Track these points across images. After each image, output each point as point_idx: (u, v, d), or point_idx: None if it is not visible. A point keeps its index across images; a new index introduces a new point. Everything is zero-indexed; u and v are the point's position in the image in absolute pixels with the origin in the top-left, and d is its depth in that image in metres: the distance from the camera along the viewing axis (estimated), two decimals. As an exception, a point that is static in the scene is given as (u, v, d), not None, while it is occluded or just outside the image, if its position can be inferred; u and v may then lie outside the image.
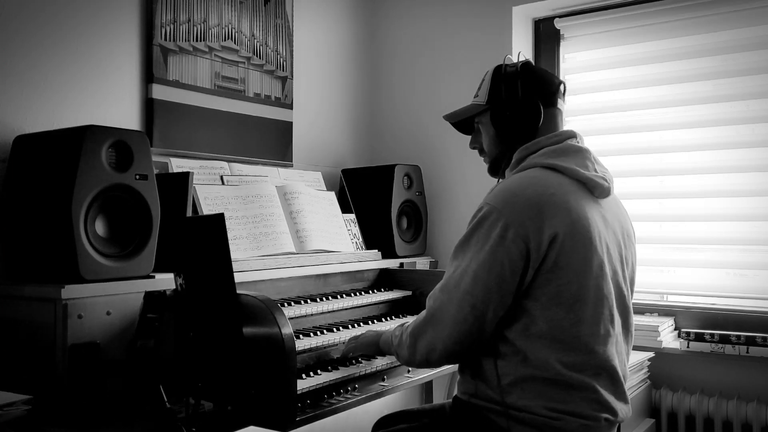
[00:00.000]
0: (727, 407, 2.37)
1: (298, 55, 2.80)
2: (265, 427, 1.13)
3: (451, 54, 2.99)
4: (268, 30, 2.65)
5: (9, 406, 1.36)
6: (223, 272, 1.45)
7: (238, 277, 1.52)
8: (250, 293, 1.71)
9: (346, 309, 2.22)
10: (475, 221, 1.51)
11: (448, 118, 1.80)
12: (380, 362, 1.96)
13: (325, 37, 2.97)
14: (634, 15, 2.72)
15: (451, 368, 2.14)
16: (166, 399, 1.60)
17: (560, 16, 2.89)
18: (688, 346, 2.42)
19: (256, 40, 2.60)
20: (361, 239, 2.58)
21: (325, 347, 1.95)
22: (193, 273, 1.52)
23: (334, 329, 2.04)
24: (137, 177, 1.70)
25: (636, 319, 2.49)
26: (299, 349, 1.79)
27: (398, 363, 1.89)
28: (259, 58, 2.61)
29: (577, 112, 2.90)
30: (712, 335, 2.39)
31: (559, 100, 1.68)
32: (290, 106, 2.74)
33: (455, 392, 1.68)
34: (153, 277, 1.74)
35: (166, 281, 1.73)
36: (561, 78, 2.88)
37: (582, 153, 1.61)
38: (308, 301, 2.11)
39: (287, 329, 1.63)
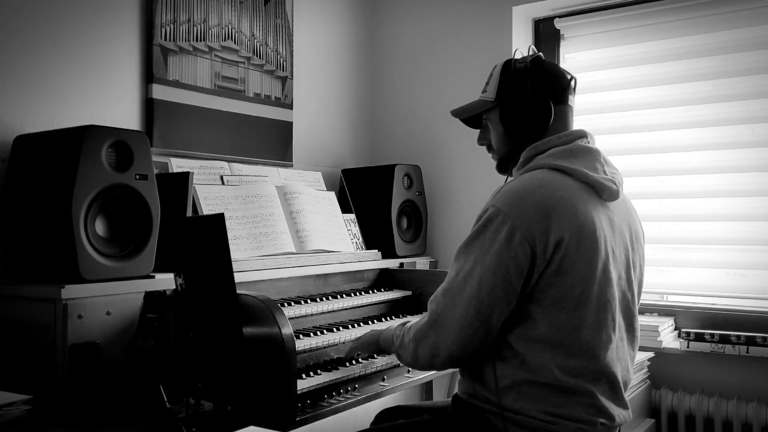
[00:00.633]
0: (727, 407, 2.37)
1: (298, 55, 2.80)
2: (265, 427, 1.13)
3: (451, 54, 2.99)
4: (268, 30, 2.65)
5: (9, 406, 1.36)
6: (223, 272, 1.45)
7: (238, 277, 1.52)
8: (250, 293, 1.71)
9: (346, 309, 2.22)
10: (480, 222, 1.49)
11: (455, 113, 1.77)
12: (380, 362, 1.96)
13: (325, 37, 2.97)
14: (634, 15, 2.72)
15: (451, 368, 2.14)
16: (166, 399, 1.60)
17: (560, 16, 2.89)
18: (688, 346, 2.42)
19: (256, 40, 2.60)
20: (361, 239, 2.58)
21: (325, 347, 1.95)
22: (193, 273, 1.52)
23: (334, 329, 2.04)
24: (137, 177, 1.70)
25: (636, 319, 2.51)
26: (299, 349, 1.79)
27: (398, 363, 1.89)
28: (259, 58, 2.61)
29: (577, 112, 2.85)
30: (712, 335, 2.39)
31: (570, 97, 1.64)
32: (290, 106, 2.74)
33: (455, 391, 1.68)
34: (153, 277, 1.74)
35: (166, 281, 1.73)
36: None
37: (592, 154, 1.57)
38: (308, 301, 2.11)
39: (287, 329, 1.63)
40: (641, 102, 2.72)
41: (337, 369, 1.90)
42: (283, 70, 2.71)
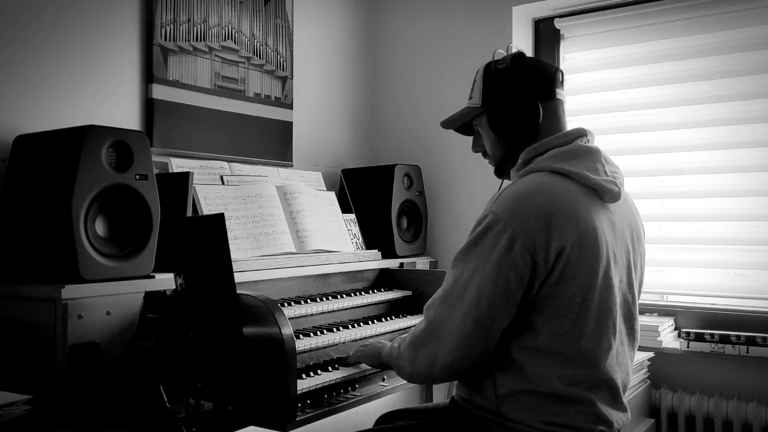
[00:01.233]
0: (727, 407, 2.37)
1: (298, 55, 2.80)
2: (265, 427, 1.13)
3: (451, 54, 2.99)
4: (268, 30, 2.65)
5: (9, 406, 1.36)
6: (223, 272, 1.45)
7: (238, 277, 1.52)
8: (250, 293, 1.71)
9: (346, 309, 2.22)
10: (479, 229, 1.44)
11: (444, 124, 1.73)
12: (380, 362, 1.95)
13: (325, 37, 2.97)
14: (634, 15, 2.72)
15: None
16: (166, 399, 1.60)
17: (560, 16, 2.89)
18: (688, 346, 2.42)
19: (256, 40, 2.60)
20: (361, 239, 2.58)
21: (325, 347, 1.95)
22: (193, 273, 1.52)
23: (334, 329, 2.04)
24: (137, 177, 1.70)
25: (636, 319, 2.51)
26: (299, 349, 1.79)
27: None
28: (259, 58, 2.61)
29: (577, 112, 2.90)
30: (712, 335, 2.39)
31: (558, 90, 1.60)
32: (290, 106, 2.74)
33: (453, 393, 1.67)
34: (153, 277, 1.74)
35: (166, 281, 1.73)
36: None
37: (593, 154, 1.53)
38: (308, 301, 2.11)
39: (287, 329, 1.63)
40: (641, 102, 2.72)
41: (337, 369, 1.90)
42: (283, 70, 2.71)
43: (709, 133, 2.59)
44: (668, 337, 2.49)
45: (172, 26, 2.29)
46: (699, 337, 2.40)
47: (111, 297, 1.65)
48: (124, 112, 2.18)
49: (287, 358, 1.61)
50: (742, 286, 2.53)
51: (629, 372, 1.57)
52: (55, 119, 1.99)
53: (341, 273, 2.38)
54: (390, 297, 2.41)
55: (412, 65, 3.10)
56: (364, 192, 2.69)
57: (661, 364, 2.52)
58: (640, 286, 1.65)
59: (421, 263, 2.75)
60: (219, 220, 1.44)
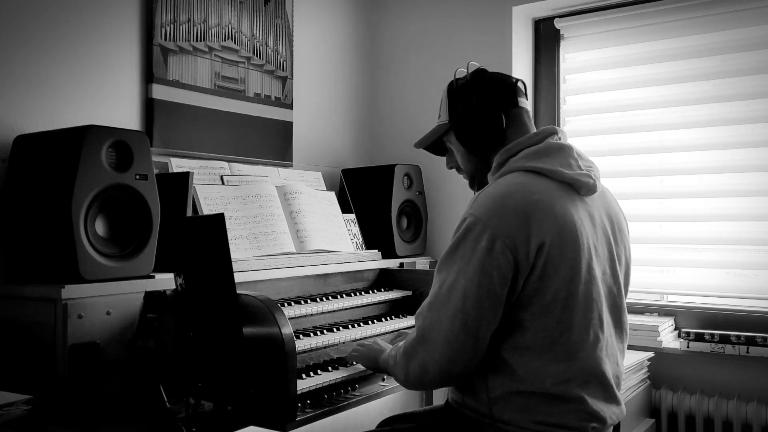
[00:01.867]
0: (727, 407, 2.37)
1: (298, 55, 2.80)
2: (265, 427, 1.13)
3: (451, 54, 2.99)
4: (268, 30, 2.65)
5: (9, 406, 1.37)
6: (223, 272, 1.45)
7: (238, 277, 1.52)
8: (250, 293, 1.71)
9: (346, 309, 2.22)
10: (459, 232, 1.46)
11: (417, 144, 1.78)
12: (380, 362, 1.95)
13: (325, 37, 2.97)
14: (634, 15, 2.72)
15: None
16: (166, 399, 1.60)
17: (560, 16, 2.89)
18: (688, 346, 2.42)
19: (256, 40, 2.60)
20: (361, 239, 2.58)
21: (325, 347, 1.95)
22: (193, 273, 1.53)
23: (334, 329, 2.04)
24: (137, 177, 1.70)
25: (636, 319, 2.52)
26: (299, 349, 1.79)
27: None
28: (259, 58, 2.61)
29: (577, 112, 2.90)
30: (712, 335, 2.39)
31: (521, 99, 1.63)
32: (290, 106, 2.74)
33: (447, 396, 1.68)
34: (153, 277, 1.74)
35: (166, 281, 1.73)
36: (559, 77, 2.90)
37: (564, 150, 1.55)
38: (308, 301, 2.11)
39: (287, 329, 1.63)
40: (641, 102, 2.72)
41: (337, 369, 1.90)
42: (283, 70, 2.71)
43: (709, 133, 2.59)
44: (668, 337, 2.49)
45: (172, 26, 2.29)
46: (699, 337, 2.40)
47: (111, 297, 1.65)
48: (124, 112, 2.18)
49: (287, 358, 1.61)
50: (742, 286, 2.53)
51: (619, 363, 1.57)
52: (55, 119, 1.99)
53: (341, 273, 2.38)
54: (390, 297, 2.41)
55: (412, 65, 3.10)
56: (364, 192, 2.69)
57: (661, 364, 2.52)
58: (627, 279, 1.65)
59: (421, 263, 2.75)
60: (219, 220, 1.44)
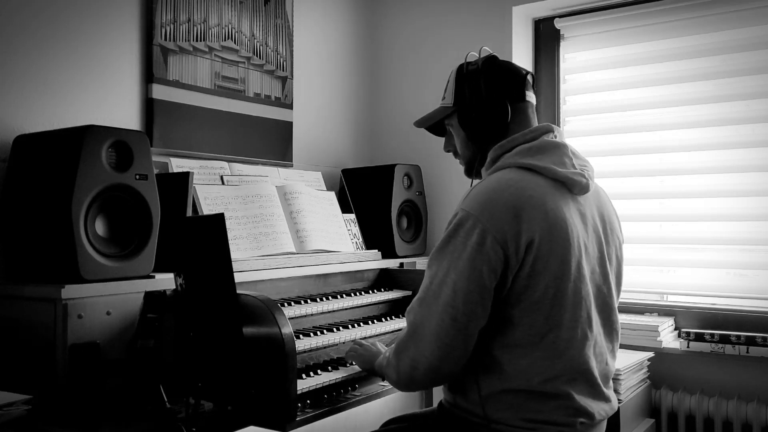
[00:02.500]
0: (727, 407, 2.37)
1: (298, 55, 2.80)
2: (265, 427, 1.13)
3: (451, 54, 2.99)
4: (268, 30, 2.65)
5: (9, 406, 1.37)
6: (223, 272, 1.45)
7: (238, 277, 1.52)
8: (250, 293, 1.71)
9: (346, 309, 2.22)
10: (450, 227, 1.46)
11: (417, 123, 1.76)
12: (380, 362, 1.95)
13: (325, 37, 2.97)
14: (634, 15, 2.72)
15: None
16: (166, 399, 1.60)
17: (560, 16, 2.89)
18: (688, 346, 2.42)
19: (256, 40, 2.60)
20: (361, 239, 2.58)
21: (325, 347, 1.95)
22: (193, 273, 1.53)
23: (334, 329, 2.04)
24: (137, 177, 1.70)
25: (636, 319, 2.52)
26: (299, 349, 1.79)
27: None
28: (259, 58, 2.61)
29: (577, 112, 2.90)
30: (712, 335, 2.39)
31: (528, 93, 1.62)
32: (290, 106, 2.74)
33: (441, 398, 1.68)
34: (153, 277, 1.74)
35: (166, 281, 1.73)
36: (559, 77, 2.90)
37: (559, 149, 1.55)
38: (308, 301, 2.11)
39: (287, 329, 1.63)
40: (641, 102, 2.72)
41: (337, 369, 1.90)
42: (283, 70, 2.71)
43: (709, 133, 2.59)
44: (668, 337, 2.49)
45: (172, 26, 2.29)
46: (699, 337, 2.40)
47: (111, 297, 1.65)
48: (124, 112, 2.18)
49: (287, 358, 1.61)
50: (742, 286, 2.53)
51: (608, 362, 1.57)
52: (55, 119, 1.99)
53: (341, 273, 2.38)
54: (390, 297, 2.41)
55: (412, 65, 3.10)
56: (364, 192, 2.69)
57: (661, 364, 2.52)
58: (618, 278, 1.65)
59: (421, 263, 2.75)
60: (219, 220, 1.44)
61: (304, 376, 1.80)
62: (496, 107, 1.57)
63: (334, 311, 2.15)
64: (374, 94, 3.21)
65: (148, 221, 1.73)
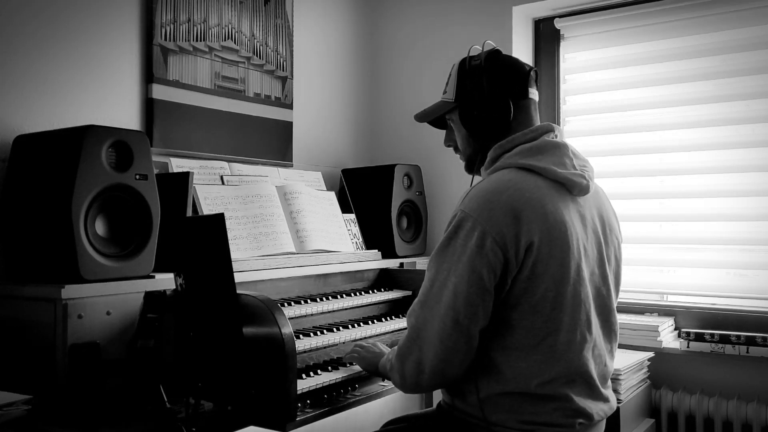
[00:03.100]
0: (727, 407, 2.37)
1: (298, 55, 2.80)
2: (265, 427, 1.13)
3: (451, 54, 2.98)
4: (268, 30, 2.65)
5: (9, 406, 1.36)
6: (223, 272, 1.45)
7: (238, 277, 1.52)
8: (250, 293, 1.71)
9: (346, 309, 2.22)
10: (450, 229, 1.45)
11: (418, 117, 1.74)
12: (380, 362, 1.95)
13: (325, 37, 2.97)
14: (634, 15, 2.72)
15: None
16: (166, 399, 1.60)
17: (560, 16, 2.89)
18: (688, 346, 2.42)
19: (256, 40, 2.60)
20: (361, 239, 2.58)
21: (325, 347, 1.95)
22: (193, 273, 1.52)
23: (334, 329, 2.04)
24: (137, 177, 1.70)
25: (636, 319, 2.52)
26: (299, 349, 1.79)
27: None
28: (259, 58, 2.61)
29: (577, 112, 2.90)
30: (712, 335, 2.39)
31: (531, 90, 1.59)
32: (290, 106, 2.74)
33: (440, 399, 1.67)
34: (153, 277, 1.74)
35: (166, 281, 1.73)
36: (559, 77, 2.90)
37: (560, 149, 1.53)
38: (308, 301, 2.11)
39: (287, 329, 1.63)
40: (641, 102, 2.72)
41: (337, 369, 1.90)
42: (283, 70, 2.71)
43: (709, 133, 2.59)
44: (668, 337, 2.49)
45: (172, 26, 2.29)
46: (699, 337, 2.40)
47: (111, 297, 1.65)
48: (124, 112, 2.18)
49: (287, 358, 1.61)
50: (742, 286, 2.53)
51: (607, 363, 1.57)
52: (55, 119, 1.99)
53: (341, 273, 2.38)
54: (390, 297, 2.41)
55: (412, 65, 3.10)
56: (364, 192, 2.69)
57: (661, 364, 2.52)
58: (617, 280, 1.64)
59: (421, 263, 2.75)
60: (219, 220, 1.44)
61: (304, 376, 1.79)
62: (498, 105, 1.55)
63: (334, 311, 2.15)
64: (374, 94, 3.21)
65: (148, 221, 1.73)
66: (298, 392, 1.67)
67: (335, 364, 1.93)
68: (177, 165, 2.15)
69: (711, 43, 2.60)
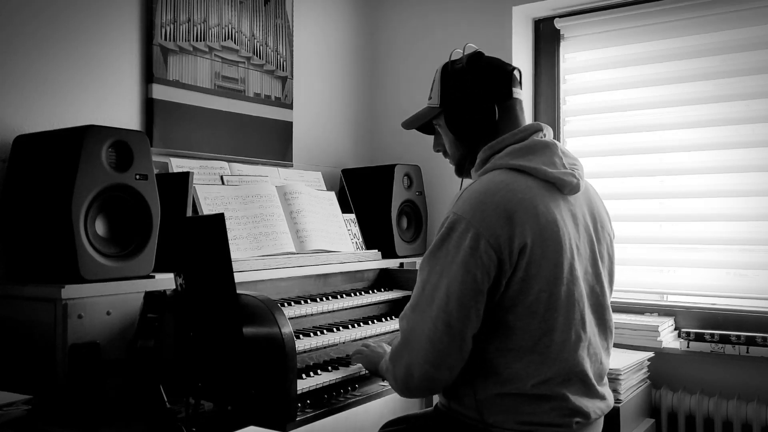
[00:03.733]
0: (727, 407, 2.37)
1: (298, 55, 2.80)
2: (265, 427, 1.13)
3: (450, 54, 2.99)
4: (268, 30, 2.65)
5: (9, 406, 1.36)
6: (223, 272, 1.45)
7: (238, 277, 1.52)
8: (250, 293, 1.71)
9: (346, 309, 2.22)
10: (442, 231, 1.44)
11: (405, 125, 1.73)
12: (380, 362, 1.95)
13: (325, 37, 2.97)
14: (634, 15, 2.72)
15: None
16: (166, 399, 1.60)
17: (560, 16, 2.89)
18: (688, 346, 2.42)
19: (256, 40, 2.60)
20: (361, 239, 2.58)
21: (325, 347, 1.95)
22: (193, 273, 1.53)
23: (334, 329, 2.04)
24: (137, 177, 1.70)
25: (636, 319, 2.52)
26: (299, 349, 1.79)
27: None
28: (259, 58, 2.61)
29: (577, 112, 2.90)
30: (712, 335, 2.39)
31: (515, 89, 1.59)
32: (290, 106, 2.74)
33: (436, 401, 1.67)
34: (153, 277, 1.74)
35: (166, 281, 1.73)
36: (559, 77, 2.90)
37: (549, 149, 1.53)
38: (308, 301, 2.11)
39: (287, 329, 1.63)
40: (641, 102, 2.72)
41: (337, 369, 1.90)
42: (283, 70, 2.71)
43: (709, 133, 2.58)
44: (668, 337, 2.49)
45: (172, 26, 2.29)
46: (699, 337, 2.40)
47: (111, 297, 1.65)
48: (124, 112, 2.18)
49: (287, 358, 1.61)
50: (742, 286, 2.53)
51: (603, 361, 1.57)
52: (55, 119, 1.99)
53: (341, 273, 2.38)
54: (390, 297, 2.41)
55: (411, 65, 3.10)
56: (364, 192, 2.69)
57: (661, 364, 2.52)
58: (611, 277, 1.64)
59: (421, 263, 2.75)
60: (219, 220, 1.44)
61: (304, 376, 1.80)
62: (482, 108, 1.55)
63: (334, 311, 2.16)
64: (374, 94, 3.21)
65: (148, 221, 1.73)
66: (298, 392, 1.67)
67: (335, 364, 1.93)
68: (177, 165, 2.15)
69: (711, 43, 2.60)
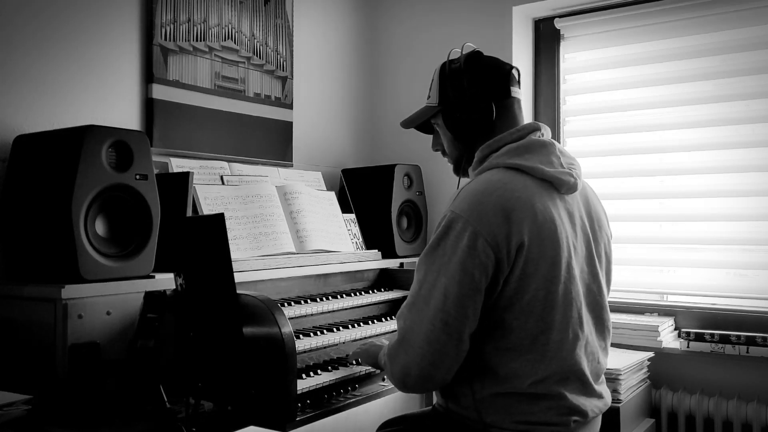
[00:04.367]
0: (727, 407, 2.37)
1: (298, 55, 2.80)
2: (265, 427, 1.13)
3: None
4: (268, 30, 2.65)
5: (9, 406, 1.37)
6: (223, 272, 1.45)
7: (238, 277, 1.52)
8: (250, 293, 1.71)
9: (346, 309, 2.22)
10: (440, 230, 1.44)
11: (403, 124, 1.74)
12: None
13: (325, 37, 2.97)
14: (634, 15, 2.72)
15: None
16: (166, 399, 1.60)
17: (560, 16, 2.89)
18: (688, 346, 2.42)
19: (256, 40, 2.60)
20: (361, 239, 2.58)
21: (325, 347, 1.95)
22: (193, 273, 1.53)
23: (334, 329, 2.04)
24: (137, 177, 1.70)
25: (636, 319, 2.52)
26: (299, 349, 1.79)
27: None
28: (259, 58, 2.61)
29: (577, 112, 2.90)
30: (712, 335, 2.39)
31: (513, 88, 1.59)
32: (290, 106, 2.74)
33: (434, 401, 1.67)
34: (153, 277, 1.74)
35: (166, 281, 1.73)
36: (559, 77, 2.90)
37: (546, 148, 1.53)
38: (308, 301, 2.11)
39: (287, 329, 1.63)
40: (641, 102, 2.72)
41: (337, 369, 1.90)
42: (283, 70, 2.71)
43: (709, 133, 2.58)
44: (668, 337, 2.49)
45: (172, 26, 2.29)
46: (699, 337, 2.40)
47: (111, 297, 1.65)
48: (124, 112, 2.18)
49: (287, 358, 1.61)
50: (742, 286, 2.53)
51: (600, 360, 1.57)
52: (55, 119, 1.99)
53: (341, 273, 2.38)
54: (390, 297, 2.41)
55: (412, 65, 3.10)
56: (364, 192, 2.69)
57: (661, 364, 2.52)
58: (608, 275, 1.64)
59: (421, 263, 2.75)
60: (219, 220, 1.44)
61: (304, 376, 1.80)
62: (480, 107, 1.55)
63: (334, 311, 2.15)
64: (374, 94, 3.21)
65: (148, 221, 1.73)
66: (298, 392, 1.67)
67: (335, 364, 1.93)
68: (177, 165, 2.15)
69: (711, 43, 2.60)
